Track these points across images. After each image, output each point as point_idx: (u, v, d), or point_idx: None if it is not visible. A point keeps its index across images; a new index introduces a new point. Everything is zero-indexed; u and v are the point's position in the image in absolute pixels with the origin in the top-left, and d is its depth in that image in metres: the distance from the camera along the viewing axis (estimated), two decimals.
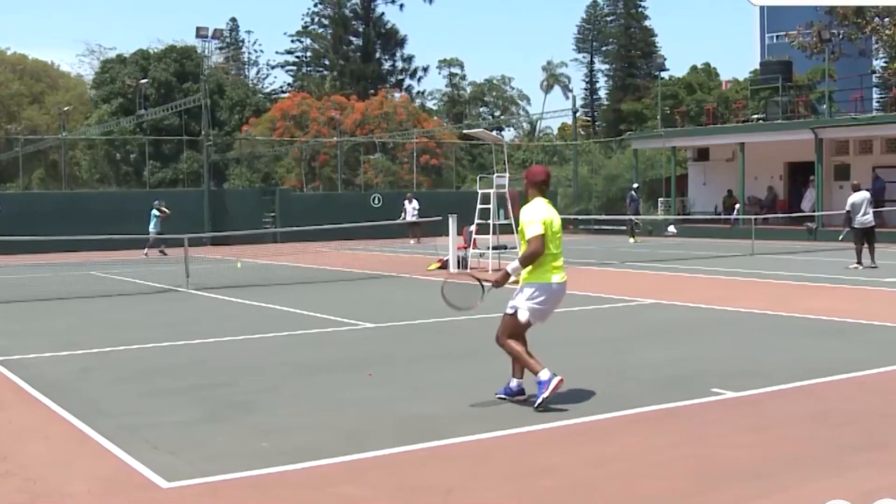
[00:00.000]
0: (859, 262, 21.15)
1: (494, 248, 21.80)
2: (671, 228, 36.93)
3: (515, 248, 21.53)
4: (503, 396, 7.96)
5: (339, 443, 6.74)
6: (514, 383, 7.95)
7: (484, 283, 7.94)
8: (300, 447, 6.67)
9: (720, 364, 9.64)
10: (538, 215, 7.66)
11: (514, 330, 7.80)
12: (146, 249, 29.60)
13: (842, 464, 6.16)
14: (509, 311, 7.79)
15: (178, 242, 20.48)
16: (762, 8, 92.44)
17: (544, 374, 7.55)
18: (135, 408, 8.03)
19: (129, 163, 64.97)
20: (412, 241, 33.99)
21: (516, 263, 7.72)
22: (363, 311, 14.58)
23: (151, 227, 29.69)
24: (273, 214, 38.50)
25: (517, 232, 7.94)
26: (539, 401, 7.54)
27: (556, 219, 7.79)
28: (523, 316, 7.74)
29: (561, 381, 7.55)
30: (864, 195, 21.58)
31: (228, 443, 6.85)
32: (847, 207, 21.79)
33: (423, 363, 10.22)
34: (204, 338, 12.09)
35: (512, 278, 7.73)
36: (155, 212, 29.98)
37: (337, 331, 12.68)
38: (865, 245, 21.40)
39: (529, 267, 7.70)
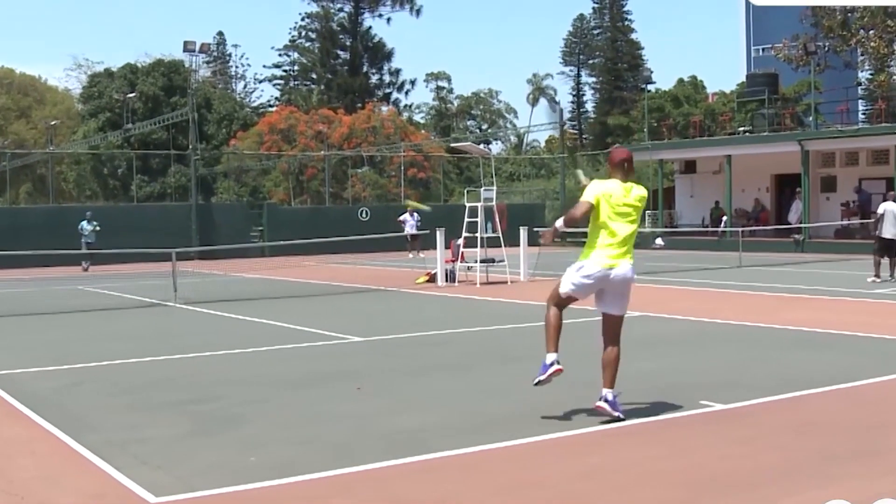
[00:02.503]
0: (877, 276, 20.66)
1: (482, 261, 21.80)
2: (658, 241, 37.01)
3: (503, 261, 21.71)
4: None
5: (328, 457, 6.71)
6: (607, 394, 7.76)
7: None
8: (288, 461, 6.63)
9: (708, 376, 9.65)
10: (597, 189, 7.55)
11: (558, 297, 7.83)
12: (86, 264, 29.63)
13: (830, 474, 6.16)
14: (559, 284, 7.83)
15: (165, 256, 20.41)
16: (748, 21, 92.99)
17: (549, 358, 7.65)
18: (122, 422, 7.99)
19: (117, 177, 64.80)
20: (411, 255, 33.91)
21: (560, 221, 7.81)
22: (351, 324, 14.55)
23: (86, 240, 29.66)
24: (261, 228, 38.48)
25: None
26: (536, 381, 7.69)
27: (628, 203, 7.57)
28: (563, 287, 7.78)
29: (559, 370, 7.62)
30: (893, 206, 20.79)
31: (217, 457, 6.81)
32: (880, 211, 21.08)
33: (412, 376, 10.19)
34: (192, 352, 12.04)
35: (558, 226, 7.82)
36: (87, 224, 29.91)
37: (325, 344, 12.64)
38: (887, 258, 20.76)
39: (586, 244, 7.68)
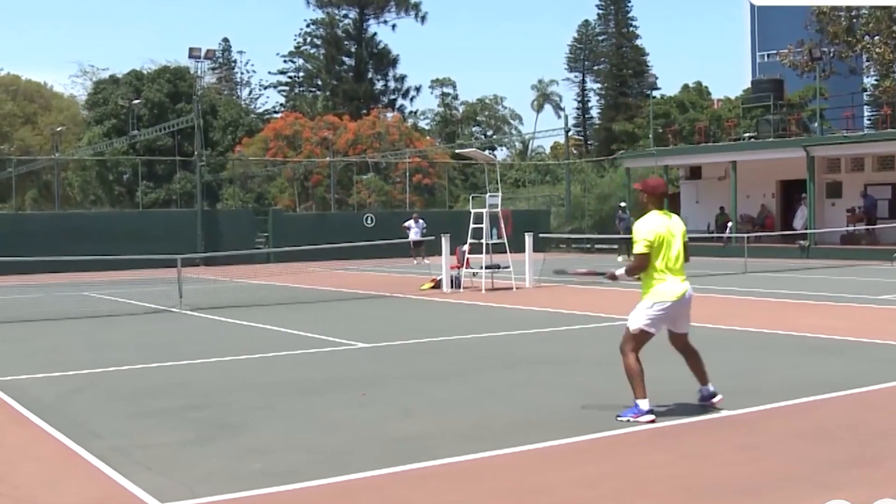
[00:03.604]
0: None
1: (487, 267, 21.78)
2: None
3: (508, 267, 21.69)
4: (705, 404, 8.25)
5: (331, 464, 6.71)
6: (705, 391, 8.26)
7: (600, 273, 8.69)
8: (292, 468, 6.64)
9: (714, 382, 9.57)
10: (646, 233, 7.91)
11: (636, 341, 7.99)
12: None
13: (834, 481, 6.14)
14: (630, 325, 8.01)
15: (171, 263, 20.43)
16: (753, 27, 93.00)
17: (644, 405, 7.80)
18: (127, 428, 8.01)
19: (122, 183, 65.06)
20: (416, 261, 33.88)
21: (622, 271, 8.18)
22: (356, 330, 14.53)
23: None
24: (266, 234, 38.44)
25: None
26: (623, 417, 7.80)
27: (672, 231, 8.01)
28: (640, 325, 7.93)
29: (652, 421, 7.77)
30: None
31: (220, 464, 6.82)
32: None
33: (416, 383, 10.18)
34: (196, 358, 12.06)
35: (623, 279, 8.31)
36: None
37: (329, 350, 12.64)
38: None
39: (648, 280, 7.95)
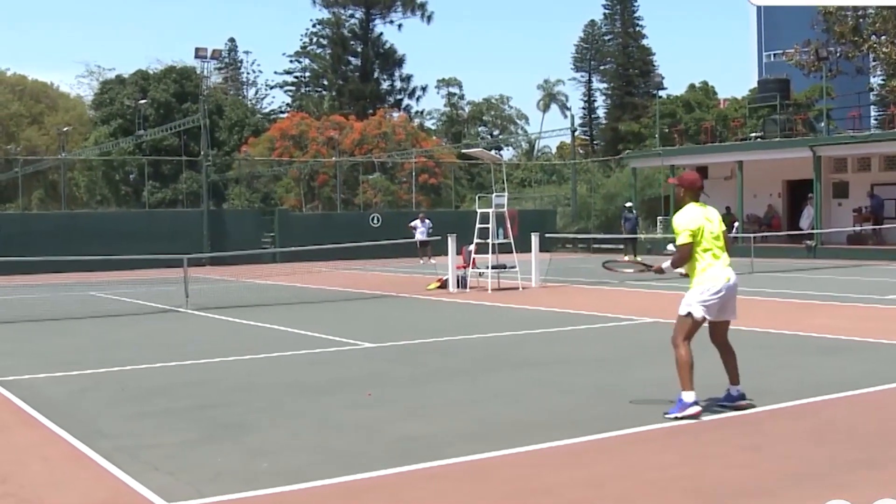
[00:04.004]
0: None
1: (494, 267, 21.77)
2: (670, 247, 36.71)
3: (515, 267, 21.67)
4: (725, 405, 8.26)
5: (338, 463, 6.71)
6: (734, 391, 8.29)
7: (647, 266, 8.76)
8: (298, 468, 6.64)
9: (722, 382, 9.55)
10: (687, 222, 8.06)
11: (689, 329, 8.04)
12: None
13: (841, 482, 6.13)
14: (682, 311, 8.06)
15: (177, 263, 20.44)
16: (760, 26, 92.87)
17: (688, 397, 7.87)
18: (134, 428, 8.02)
19: (129, 183, 65.09)
20: (422, 261, 33.88)
21: (668, 263, 8.25)
22: (363, 330, 14.53)
23: None
24: (272, 234, 38.46)
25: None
26: (671, 415, 7.85)
27: (712, 221, 8.18)
28: (698, 312, 7.99)
29: (699, 412, 7.86)
30: None
31: (227, 464, 6.82)
32: None
33: (423, 382, 10.18)
34: (203, 358, 12.07)
35: (669, 273, 8.33)
36: None
37: (336, 350, 12.64)
38: None
39: (695, 269, 8.07)
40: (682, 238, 8.03)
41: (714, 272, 8.03)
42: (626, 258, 33.26)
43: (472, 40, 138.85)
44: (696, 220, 8.07)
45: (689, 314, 8.00)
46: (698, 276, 8.05)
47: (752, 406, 8.21)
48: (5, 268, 27.29)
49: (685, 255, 8.07)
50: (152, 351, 12.78)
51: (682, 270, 8.23)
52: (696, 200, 8.28)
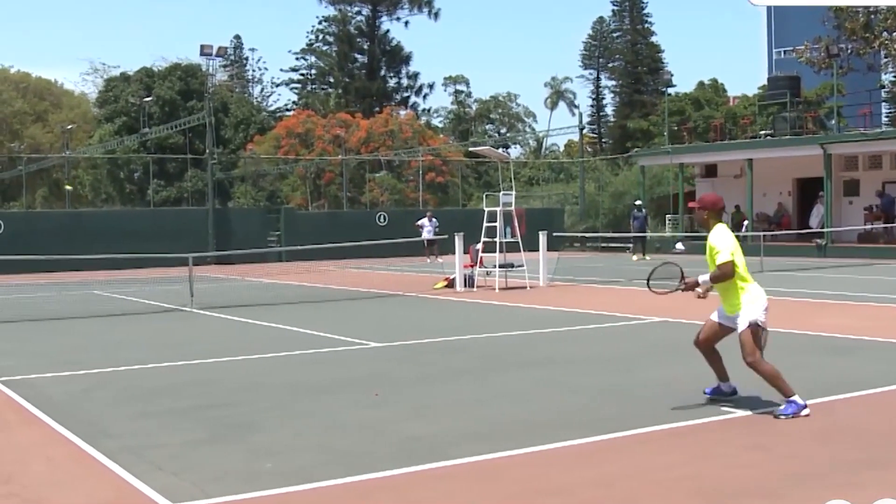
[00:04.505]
0: None
1: (501, 266, 21.68)
2: (679, 245, 36.71)
3: (522, 266, 21.58)
4: (713, 396, 8.47)
5: (344, 464, 6.66)
6: (725, 386, 8.48)
7: (684, 274, 8.55)
8: (304, 468, 6.60)
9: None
10: (728, 242, 8.15)
11: (754, 342, 8.01)
12: None
13: (847, 482, 6.08)
14: (748, 327, 8.01)
15: (182, 261, 20.38)
16: (770, 23, 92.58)
17: (800, 399, 7.94)
18: (138, 428, 7.97)
19: (133, 181, 65.13)
20: (429, 260, 33.82)
21: (706, 277, 8.20)
22: (369, 329, 14.48)
23: None
24: (278, 233, 38.39)
25: (707, 256, 8.30)
26: (784, 415, 7.86)
27: (735, 237, 8.39)
28: (749, 322, 8.00)
29: (808, 414, 7.89)
30: None
31: (232, 464, 6.78)
32: None
33: (430, 382, 10.13)
34: (207, 357, 12.03)
35: (699, 290, 8.31)
36: None
37: (342, 350, 12.59)
38: None
39: (738, 287, 8.12)
40: (725, 256, 8.07)
41: (759, 288, 8.20)
42: (635, 258, 33.18)
43: (479, 37, 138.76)
44: (734, 241, 8.21)
45: (756, 324, 7.98)
46: (747, 293, 8.10)
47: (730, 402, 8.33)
48: (9, 266, 27.27)
49: (728, 273, 8.09)
50: (156, 350, 12.73)
51: (702, 289, 8.28)
52: (720, 220, 8.34)
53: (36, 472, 6.75)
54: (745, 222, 36.82)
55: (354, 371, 10.85)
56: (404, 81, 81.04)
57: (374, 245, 30.95)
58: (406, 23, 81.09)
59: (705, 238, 8.42)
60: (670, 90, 56.71)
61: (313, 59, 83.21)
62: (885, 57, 49.18)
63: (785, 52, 79.96)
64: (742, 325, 8.02)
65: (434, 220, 36.27)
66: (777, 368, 7.96)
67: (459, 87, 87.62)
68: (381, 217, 40.56)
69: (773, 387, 7.97)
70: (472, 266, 22.43)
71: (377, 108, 68.70)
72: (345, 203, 50.17)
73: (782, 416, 7.83)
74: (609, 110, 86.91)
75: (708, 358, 8.46)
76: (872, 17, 46.47)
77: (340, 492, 6.09)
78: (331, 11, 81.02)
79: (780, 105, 42.24)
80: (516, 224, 21.94)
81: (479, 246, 22.41)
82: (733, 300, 8.11)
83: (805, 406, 7.88)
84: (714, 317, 8.39)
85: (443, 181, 57.37)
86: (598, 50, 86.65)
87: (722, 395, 8.42)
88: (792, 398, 7.89)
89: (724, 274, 8.07)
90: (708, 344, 8.44)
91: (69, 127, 59.67)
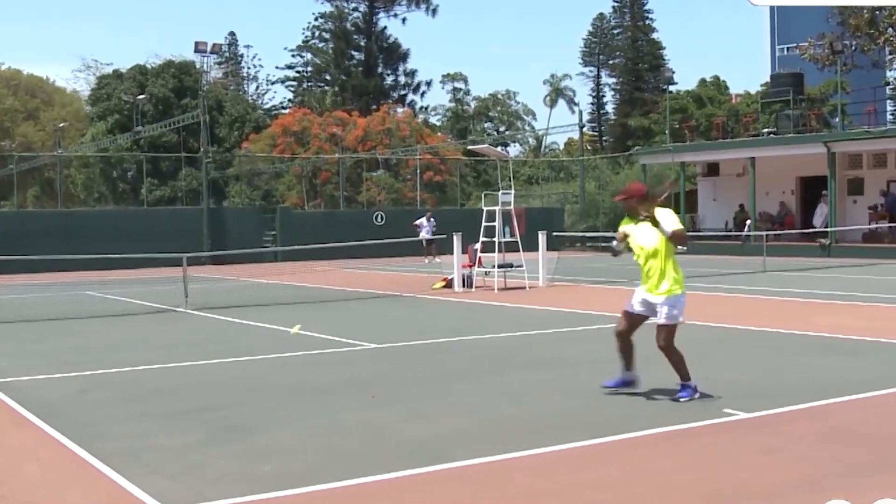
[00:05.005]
0: None
1: (500, 266, 21.51)
2: (615, 244, 36.33)
3: (522, 266, 21.37)
4: (612, 387, 8.79)
5: (342, 466, 6.60)
6: (628, 375, 8.79)
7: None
8: (302, 471, 6.53)
9: (733, 383, 9.41)
10: (676, 218, 8.49)
11: (673, 335, 8.48)
12: None
13: (854, 485, 5.98)
14: (669, 321, 8.42)
15: (176, 261, 20.17)
16: (773, 20, 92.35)
17: (692, 384, 8.47)
18: (132, 430, 7.88)
19: (127, 180, 64.77)
20: (427, 260, 33.65)
21: (666, 227, 8.27)
22: (366, 331, 14.38)
23: None
24: (273, 233, 38.19)
25: (658, 238, 8.38)
26: (683, 398, 8.37)
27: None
28: (677, 320, 8.47)
29: (699, 396, 8.44)
30: None
31: (229, 466, 6.71)
32: None
33: (427, 384, 10.03)
34: (203, 359, 11.93)
35: (616, 244, 8.82)
36: None
37: (339, 351, 12.49)
38: None
39: (678, 271, 8.45)
40: (678, 224, 8.35)
41: (684, 284, 8.54)
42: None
43: (477, 34, 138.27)
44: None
45: (675, 325, 8.45)
46: (681, 281, 8.45)
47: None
48: (1, 267, 26.95)
49: (683, 236, 8.46)
50: (151, 352, 12.63)
51: (616, 247, 8.80)
52: (655, 206, 8.44)
53: (27, 476, 6.67)
54: (748, 222, 36.61)
55: (353, 372, 10.75)
56: (402, 79, 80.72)
57: (371, 245, 30.79)
58: (403, 19, 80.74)
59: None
60: (672, 87, 56.24)
61: (309, 56, 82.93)
62: (890, 53, 48.97)
63: (788, 48, 79.86)
64: (667, 319, 8.40)
65: (432, 219, 36.10)
66: (683, 354, 8.43)
67: (457, 85, 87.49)
68: (379, 216, 40.38)
69: (677, 372, 8.43)
70: (470, 266, 22.27)
71: (374, 106, 68.42)
72: (341, 202, 50.01)
73: (682, 399, 8.31)
74: (609, 108, 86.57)
75: (624, 346, 8.72)
76: (877, 13, 46.19)
77: (340, 494, 6.05)
78: (327, 8, 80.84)
79: (783, 103, 41.90)
80: (515, 224, 21.85)
81: (478, 246, 22.27)
82: (660, 282, 8.35)
83: (696, 389, 8.40)
84: (633, 306, 8.64)
85: (441, 180, 57.15)
86: (598, 47, 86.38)
87: (624, 387, 8.73)
88: (690, 382, 8.40)
89: (682, 235, 8.36)
90: (630, 333, 8.70)
91: (61, 125, 59.16)
